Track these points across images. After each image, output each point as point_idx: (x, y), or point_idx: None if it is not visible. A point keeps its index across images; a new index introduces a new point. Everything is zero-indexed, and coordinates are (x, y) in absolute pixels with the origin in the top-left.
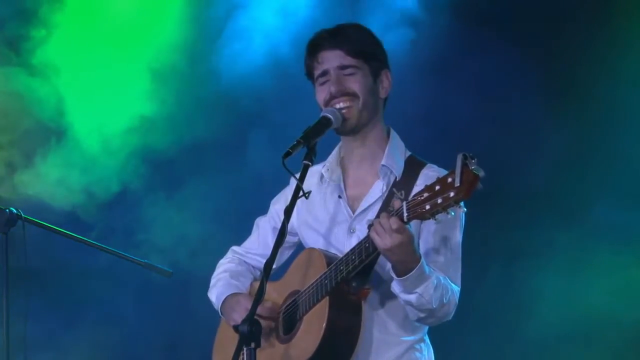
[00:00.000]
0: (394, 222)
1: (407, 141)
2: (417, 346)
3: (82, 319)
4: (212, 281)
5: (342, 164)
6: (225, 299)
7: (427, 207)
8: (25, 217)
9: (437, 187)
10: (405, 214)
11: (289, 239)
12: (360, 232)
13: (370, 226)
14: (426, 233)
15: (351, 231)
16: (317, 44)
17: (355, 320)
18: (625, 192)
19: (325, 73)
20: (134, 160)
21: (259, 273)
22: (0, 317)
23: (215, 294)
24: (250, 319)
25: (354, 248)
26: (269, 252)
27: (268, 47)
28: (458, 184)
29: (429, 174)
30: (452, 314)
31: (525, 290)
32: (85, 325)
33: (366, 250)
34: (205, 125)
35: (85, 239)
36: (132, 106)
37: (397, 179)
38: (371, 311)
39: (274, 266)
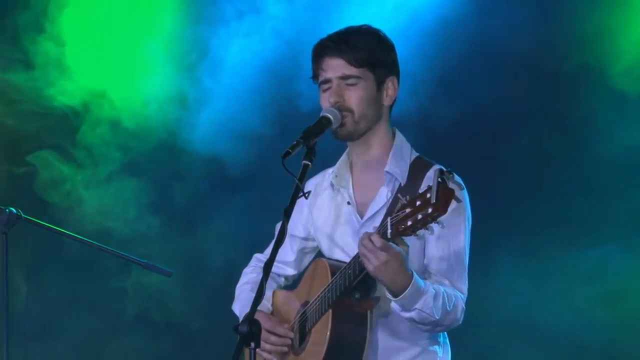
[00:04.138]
0: (377, 241)
1: None
2: (431, 348)
3: (82, 319)
4: (236, 292)
5: (351, 168)
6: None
7: (409, 223)
8: (25, 217)
9: (418, 203)
10: (389, 231)
11: (308, 244)
12: None
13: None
14: (429, 240)
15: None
16: (321, 51)
17: (361, 331)
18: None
19: (327, 81)
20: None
21: (282, 280)
22: None
23: (239, 309)
24: (250, 319)
25: (350, 262)
26: (289, 257)
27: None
28: (434, 201)
29: (431, 177)
30: (461, 319)
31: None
32: (85, 325)
33: (360, 265)
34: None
35: (85, 239)
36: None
37: (402, 185)
38: (381, 317)
39: (294, 272)
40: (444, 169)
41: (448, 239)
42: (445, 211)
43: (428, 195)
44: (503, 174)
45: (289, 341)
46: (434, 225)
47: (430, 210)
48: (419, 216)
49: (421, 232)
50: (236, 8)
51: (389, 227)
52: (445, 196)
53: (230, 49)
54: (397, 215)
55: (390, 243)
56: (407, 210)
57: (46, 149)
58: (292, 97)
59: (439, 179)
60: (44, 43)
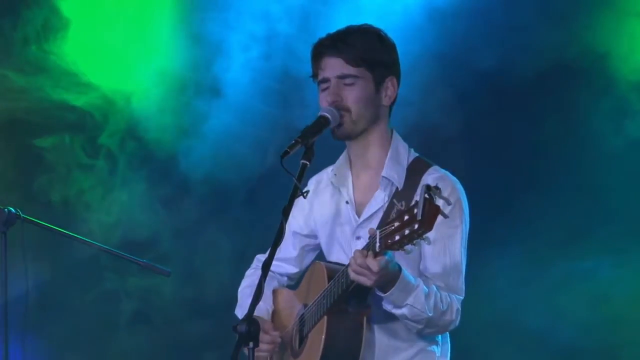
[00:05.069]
0: (373, 265)
1: None
2: (430, 348)
3: (81, 318)
4: (239, 295)
5: (350, 167)
6: None
7: (397, 237)
8: (24, 217)
9: (406, 217)
10: (377, 244)
11: (310, 241)
12: (365, 239)
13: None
14: (425, 246)
15: (356, 237)
16: (320, 50)
17: (356, 337)
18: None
19: (325, 80)
20: None
21: (285, 279)
22: None
23: (241, 314)
24: (249, 318)
25: (343, 269)
26: (290, 254)
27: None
28: (419, 218)
29: (428, 180)
30: (457, 321)
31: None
32: (84, 324)
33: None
34: None
35: (84, 238)
36: None
37: (399, 189)
38: (380, 318)
39: (296, 270)
40: (431, 186)
41: (444, 242)
42: (430, 228)
43: (415, 211)
44: (501, 174)
45: (277, 346)
46: (420, 242)
47: (416, 226)
48: (406, 231)
49: (409, 247)
50: (236, 32)
51: (377, 240)
52: (431, 213)
53: (231, 71)
54: (385, 229)
55: (381, 257)
56: (396, 224)
57: (53, 149)
58: (294, 112)
59: (426, 195)
60: (50, 54)
